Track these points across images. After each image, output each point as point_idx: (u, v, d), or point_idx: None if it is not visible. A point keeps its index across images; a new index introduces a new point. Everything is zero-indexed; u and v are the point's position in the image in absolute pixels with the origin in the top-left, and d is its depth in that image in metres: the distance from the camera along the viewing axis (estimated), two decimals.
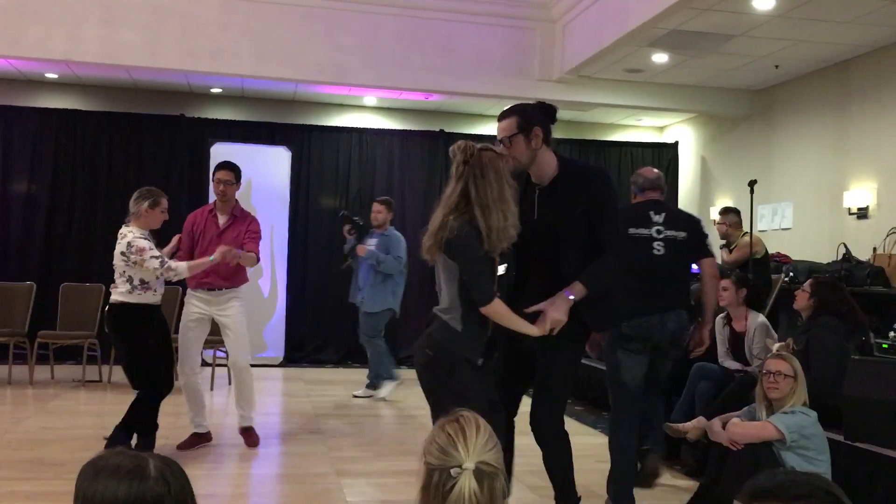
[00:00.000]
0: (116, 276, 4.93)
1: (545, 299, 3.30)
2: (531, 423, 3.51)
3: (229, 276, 5.46)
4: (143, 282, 4.88)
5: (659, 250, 4.29)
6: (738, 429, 3.89)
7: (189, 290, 5.55)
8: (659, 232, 4.31)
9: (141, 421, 4.94)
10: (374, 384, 7.65)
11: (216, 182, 5.53)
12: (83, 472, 1.34)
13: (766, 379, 3.93)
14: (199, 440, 5.41)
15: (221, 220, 5.52)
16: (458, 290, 3.13)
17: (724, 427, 3.99)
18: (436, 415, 3.06)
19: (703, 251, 4.58)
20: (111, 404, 6.66)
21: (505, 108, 3.52)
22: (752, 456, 3.84)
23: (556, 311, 3.25)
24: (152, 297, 4.95)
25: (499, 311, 3.17)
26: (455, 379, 3.12)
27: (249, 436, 5.56)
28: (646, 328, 4.20)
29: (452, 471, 1.57)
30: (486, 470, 1.59)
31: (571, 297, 3.28)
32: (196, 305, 5.44)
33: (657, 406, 4.79)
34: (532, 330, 3.23)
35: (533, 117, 3.41)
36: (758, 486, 1.30)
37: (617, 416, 4.27)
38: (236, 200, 5.64)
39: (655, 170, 4.71)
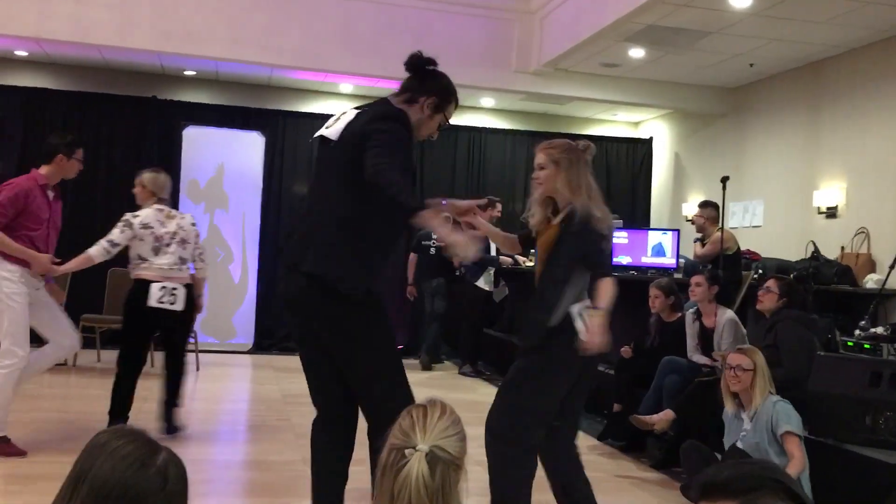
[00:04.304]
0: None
1: None
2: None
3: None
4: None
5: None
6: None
7: (11, 266, 4.58)
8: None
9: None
10: None
11: (80, 161, 5.14)
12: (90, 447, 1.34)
13: (727, 373, 4.06)
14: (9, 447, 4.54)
15: (51, 195, 4.89)
16: None
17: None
18: None
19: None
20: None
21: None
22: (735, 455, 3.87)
23: None
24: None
25: None
26: None
27: (8, 446, 4.55)
28: None
29: (406, 451, 1.54)
30: (442, 456, 1.54)
31: None
32: (23, 285, 4.61)
33: None
34: None
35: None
36: (707, 481, 1.26)
37: None
38: None
39: None
